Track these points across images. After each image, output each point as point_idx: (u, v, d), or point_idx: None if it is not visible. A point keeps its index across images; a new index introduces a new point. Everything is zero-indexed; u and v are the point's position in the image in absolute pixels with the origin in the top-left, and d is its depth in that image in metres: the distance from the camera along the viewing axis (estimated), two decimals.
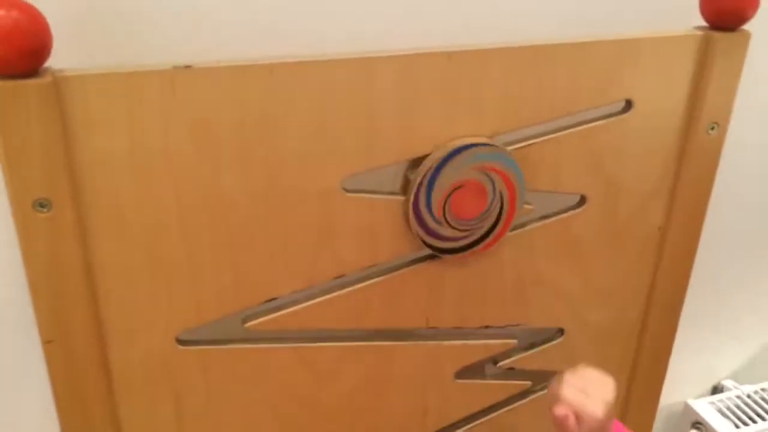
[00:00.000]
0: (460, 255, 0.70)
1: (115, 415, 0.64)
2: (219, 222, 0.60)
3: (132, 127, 0.54)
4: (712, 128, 0.74)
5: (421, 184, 0.64)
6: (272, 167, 0.60)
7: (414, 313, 0.72)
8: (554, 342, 0.81)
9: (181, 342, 0.64)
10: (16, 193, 0.52)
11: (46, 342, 0.59)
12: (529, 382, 0.83)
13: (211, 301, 0.64)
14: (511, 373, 0.81)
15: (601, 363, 0.84)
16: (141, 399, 0.65)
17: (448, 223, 0.68)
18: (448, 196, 0.66)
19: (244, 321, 0.66)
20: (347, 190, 0.64)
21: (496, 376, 0.81)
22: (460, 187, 0.66)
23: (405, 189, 0.66)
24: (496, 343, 0.78)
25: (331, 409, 0.74)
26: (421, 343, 0.75)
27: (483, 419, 0.82)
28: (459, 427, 0.81)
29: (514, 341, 0.79)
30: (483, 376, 0.80)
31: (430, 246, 0.68)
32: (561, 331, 0.81)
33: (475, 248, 0.70)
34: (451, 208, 0.67)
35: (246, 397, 0.69)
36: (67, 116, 0.52)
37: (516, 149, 0.68)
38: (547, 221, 0.73)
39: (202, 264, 0.61)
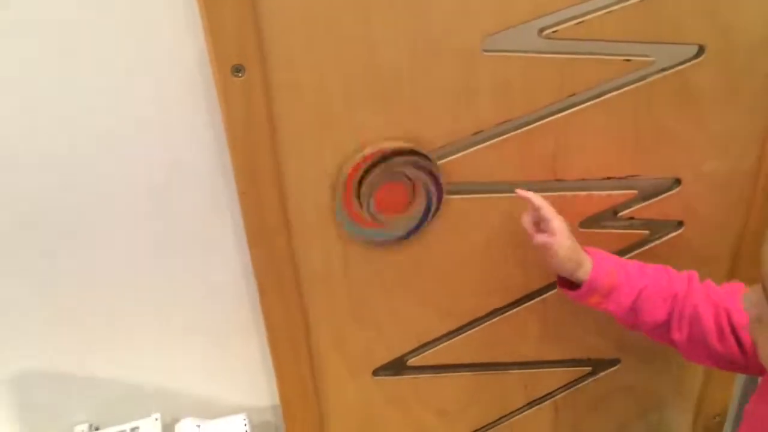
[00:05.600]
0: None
1: (292, 254, 0.76)
2: (375, 83, 0.69)
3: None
4: None
5: None
6: (419, 27, 0.68)
7: (543, 165, 0.80)
8: (671, 192, 0.87)
9: None
10: (219, 61, 0.63)
11: (242, 193, 0.70)
12: (647, 232, 0.89)
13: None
14: (630, 222, 0.88)
15: (716, 212, 0.90)
16: (314, 241, 0.76)
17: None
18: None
19: None
20: (485, 50, 0.71)
21: (616, 226, 0.88)
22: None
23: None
24: (617, 194, 0.85)
25: (473, 256, 0.83)
26: (550, 194, 0.82)
27: None
28: None
29: (634, 192, 0.85)
30: (605, 226, 0.87)
31: None
32: (678, 182, 0.86)
33: None
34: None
35: None
36: None
37: (637, 2, 0.72)
38: (666, 73, 0.78)
39: (364, 121, 0.71)
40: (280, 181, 0.71)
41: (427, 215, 0.77)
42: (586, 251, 0.77)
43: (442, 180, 0.76)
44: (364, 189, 0.73)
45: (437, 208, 0.77)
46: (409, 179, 0.75)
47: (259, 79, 0.64)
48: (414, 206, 0.77)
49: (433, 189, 0.76)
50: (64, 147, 0.70)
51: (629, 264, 0.78)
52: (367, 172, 0.72)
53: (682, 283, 0.76)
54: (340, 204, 0.73)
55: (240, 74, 0.63)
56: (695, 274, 0.77)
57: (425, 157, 0.73)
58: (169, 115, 0.70)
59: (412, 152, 0.73)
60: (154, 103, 0.70)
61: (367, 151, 0.72)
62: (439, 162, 0.76)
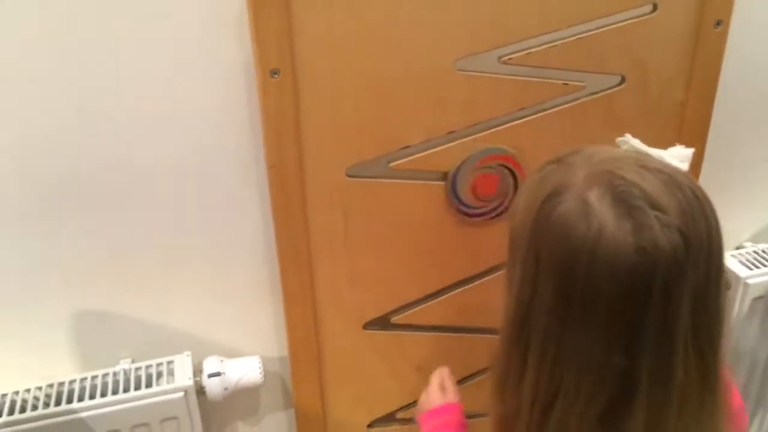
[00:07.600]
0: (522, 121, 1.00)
1: (306, 221, 0.98)
2: (375, 90, 0.92)
3: (327, 21, 0.86)
4: (718, 24, 1.01)
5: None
6: (410, 50, 0.91)
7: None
8: None
9: (349, 175, 0.97)
10: (261, 66, 0.86)
11: (270, 167, 0.92)
12: None
13: (369, 145, 0.96)
14: None
15: None
16: (322, 213, 0.98)
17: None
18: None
19: (389, 162, 0.98)
20: (459, 70, 0.95)
21: None
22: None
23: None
24: None
25: (444, 233, 1.05)
26: None
27: None
28: None
29: None
30: None
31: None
32: None
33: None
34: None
35: (391, 219, 1.02)
36: (291, 10, 0.84)
37: (574, 40, 0.97)
38: (595, 96, 1.02)
39: (365, 118, 0.94)
40: (300, 161, 0.93)
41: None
42: None
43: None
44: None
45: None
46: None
47: (290, 81, 0.87)
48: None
49: None
50: (130, 126, 0.92)
51: None
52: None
53: None
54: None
55: (276, 76, 0.86)
56: None
57: None
58: (219, 105, 0.93)
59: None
60: (210, 96, 0.92)
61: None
62: (420, 154, 0.99)
